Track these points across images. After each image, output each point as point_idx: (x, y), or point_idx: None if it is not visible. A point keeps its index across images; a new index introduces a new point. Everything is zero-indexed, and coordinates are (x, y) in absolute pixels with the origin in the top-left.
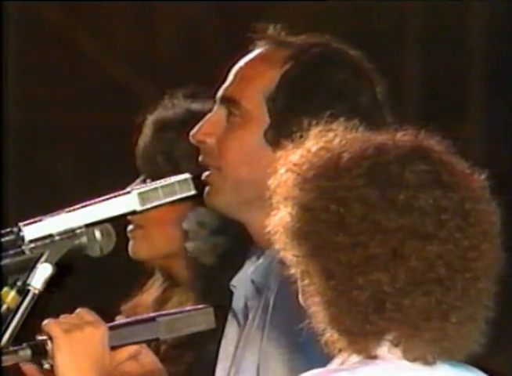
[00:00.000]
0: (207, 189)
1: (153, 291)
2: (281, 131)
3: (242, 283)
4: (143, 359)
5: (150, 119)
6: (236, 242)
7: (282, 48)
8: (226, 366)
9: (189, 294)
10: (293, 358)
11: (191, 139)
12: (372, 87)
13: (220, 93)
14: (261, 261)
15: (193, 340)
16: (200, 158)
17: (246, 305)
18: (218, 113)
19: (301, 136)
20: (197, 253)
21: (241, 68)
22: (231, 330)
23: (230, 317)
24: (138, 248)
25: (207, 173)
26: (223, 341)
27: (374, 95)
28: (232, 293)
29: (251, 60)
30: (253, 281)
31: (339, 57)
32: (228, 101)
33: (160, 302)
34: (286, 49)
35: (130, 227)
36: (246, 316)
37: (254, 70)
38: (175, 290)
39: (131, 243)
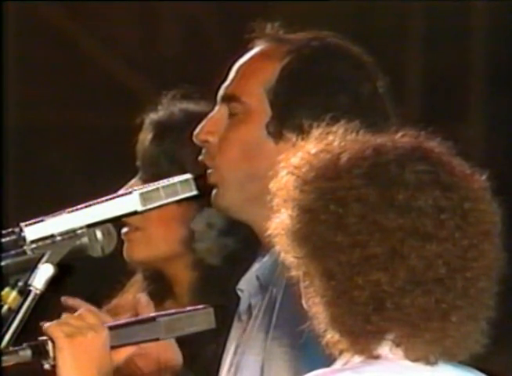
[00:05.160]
0: (213, 192)
1: (134, 291)
2: (283, 123)
3: (247, 282)
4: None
5: (148, 120)
6: (245, 243)
7: (281, 45)
8: (227, 364)
9: (175, 295)
10: (297, 357)
11: (194, 139)
12: (372, 79)
13: (221, 92)
14: (266, 258)
15: (193, 339)
16: (201, 157)
17: (250, 305)
18: (219, 111)
19: (302, 139)
20: (206, 254)
21: (241, 66)
22: (235, 331)
23: (236, 320)
24: (135, 251)
25: (209, 172)
26: (228, 344)
27: (375, 87)
28: (238, 296)
29: (251, 57)
30: (258, 277)
31: (339, 50)
32: (229, 98)
33: None
34: (286, 45)
35: (125, 229)
36: (249, 316)
37: (254, 66)
38: (157, 290)
39: (126, 245)
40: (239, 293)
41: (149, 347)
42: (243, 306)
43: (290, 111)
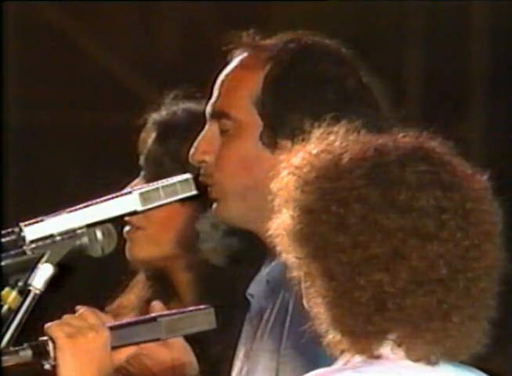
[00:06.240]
0: (214, 205)
1: (136, 291)
2: (276, 132)
3: (257, 287)
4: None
5: (151, 121)
6: (250, 244)
7: (259, 52)
8: (238, 367)
9: (178, 295)
10: (314, 362)
11: (190, 160)
12: (355, 71)
13: (209, 109)
14: (275, 262)
15: (198, 339)
16: (200, 178)
17: (261, 309)
18: (210, 129)
19: (303, 139)
20: (210, 254)
21: (224, 80)
22: (245, 335)
23: (246, 324)
24: (137, 250)
25: (210, 190)
26: (239, 347)
27: (359, 78)
28: (243, 296)
29: (232, 70)
30: (268, 281)
31: (317, 48)
32: (219, 115)
33: (146, 302)
34: (264, 52)
35: (127, 228)
36: (260, 320)
37: (237, 79)
38: (160, 290)
39: (128, 244)
40: (249, 297)
41: (156, 347)
42: (253, 310)
43: (281, 119)
